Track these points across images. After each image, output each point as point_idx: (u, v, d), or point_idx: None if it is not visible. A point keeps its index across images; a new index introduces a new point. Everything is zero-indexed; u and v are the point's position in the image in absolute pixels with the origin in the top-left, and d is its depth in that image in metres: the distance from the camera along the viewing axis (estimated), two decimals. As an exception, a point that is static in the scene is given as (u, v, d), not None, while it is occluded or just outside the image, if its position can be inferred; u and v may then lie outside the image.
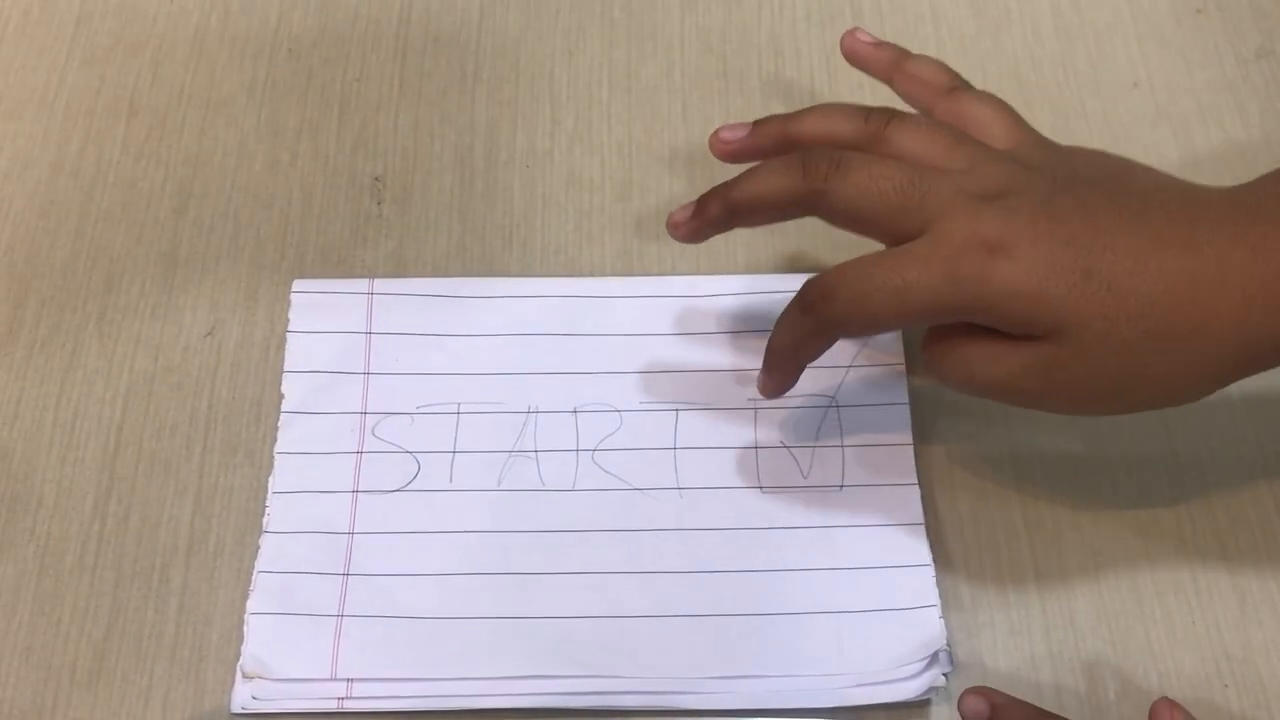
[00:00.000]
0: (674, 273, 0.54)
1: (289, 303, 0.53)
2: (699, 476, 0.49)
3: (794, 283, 0.52)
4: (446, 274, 0.54)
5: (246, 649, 0.46)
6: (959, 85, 0.49)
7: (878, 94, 0.58)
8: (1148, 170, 0.45)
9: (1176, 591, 0.47)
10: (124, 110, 0.58)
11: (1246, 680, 0.46)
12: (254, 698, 0.45)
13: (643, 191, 0.56)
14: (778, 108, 0.58)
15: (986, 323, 0.42)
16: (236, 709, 0.45)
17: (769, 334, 0.51)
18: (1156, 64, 0.59)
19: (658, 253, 0.54)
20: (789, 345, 0.46)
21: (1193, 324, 0.40)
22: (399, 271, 0.54)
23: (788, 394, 0.48)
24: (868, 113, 0.46)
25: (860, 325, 0.44)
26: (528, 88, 0.59)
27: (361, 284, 0.53)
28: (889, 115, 0.46)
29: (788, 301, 0.49)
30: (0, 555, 0.48)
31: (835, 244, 0.54)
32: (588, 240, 0.55)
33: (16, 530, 0.49)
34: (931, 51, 0.59)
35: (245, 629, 0.46)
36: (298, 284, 0.53)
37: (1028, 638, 0.46)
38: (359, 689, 0.45)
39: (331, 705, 0.45)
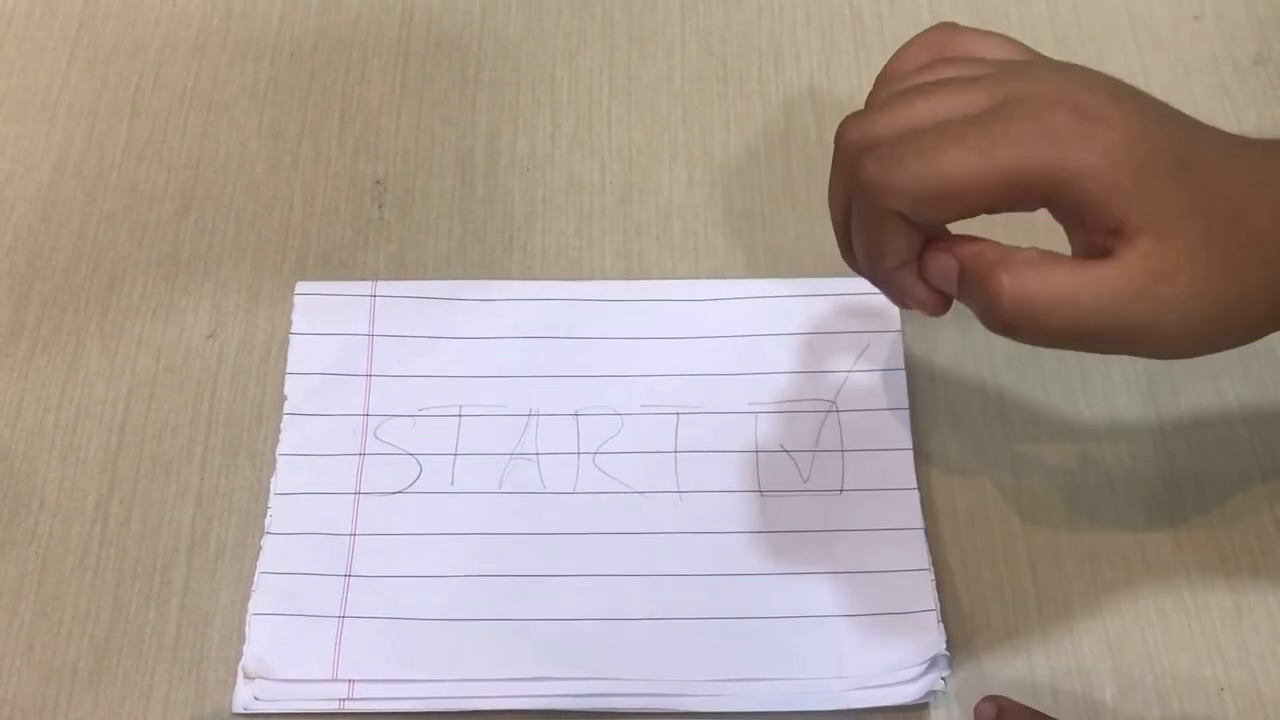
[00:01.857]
0: (675, 276, 0.54)
1: (291, 305, 0.53)
2: (699, 480, 0.49)
3: (795, 287, 0.53)
4: (447, 277, 0.54)
5: (248, 649, 0.46)
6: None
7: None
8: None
9: (1173, 596, 0.47)
10: (126, 112, 0.58)
11: (1242, 684, 0.46)
12: (255, 698, 0.45)
13: (643, 194, 0.56)
14: (777, 110, 0.58)
15: (1071, 207, 0.35)
16: (238, 709, 0.45)
17: (770, 336, 0.51)
18: (1154, 70, 0.59)
19: (658, 255, 0.55)
20: (867, 251, 0.38)
21: None
22: (400, 274, 0.54)
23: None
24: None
25: (932, 188, 0.35)
26: (528, 91, 0.59)
27: (364, 286, 0.53)
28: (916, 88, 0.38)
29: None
30: (2, 555, 0.48)
31: (834, 242, 0.54)
32: (588, 243, 0.55)
33: (18, 530, 0.49)
34: (931, 56, 0.59)
35: (247, 630, 0.46)
36: (301, 286, 0.53)
37: (1025, 642, 0.47)
38: (360, 690, 0.45)
39: (333, 706, 0.45)
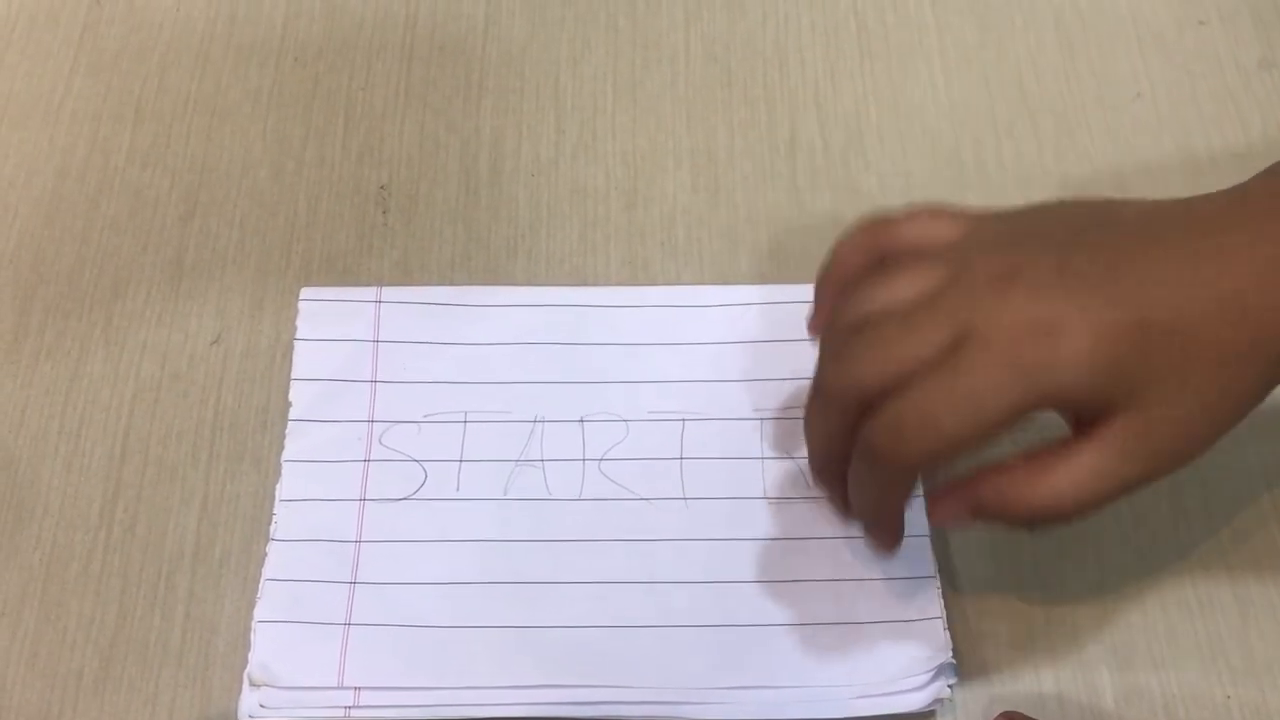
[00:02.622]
0: (679, 282, 0.54)
1: (296, 311, 0.53)
2: (705, 487, 0.49)
3: (802, 292, 0.52)
4: (451, 283, 0.54)
5: (253, 657, 0.46)
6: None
7: (881, 103, 0.58)
8: (1121, 200, 0.42)
9: (1178, 601, 0.47)
10: (130, 118, 0.58)
11: (1248, 690, 0.46)
12: (261, 705, 0.45)
13: (647, 201, 0.56)
14: (782, 117, 0.58)
15: (1061, 408, 0.39)
16: (243, 717, 0.45)
17: (775, 343, 0.51)
18: (1159, 75, 0.59)
19: (662, 261, 0.55)
20: (873, 505, 0.42)
21: (1250, 335, 0.38)
22: (404, 280, 0.54)
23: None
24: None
25: (941, 452, 0.39)
26: (533, 97, 0.59)
27: (369, 292, 0.53)
28: (854, 293, 0.42)
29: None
30: (7, 563, 0.48)
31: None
32: (592, 250, 0.55)
33: (23, 538, 0.49)
34: (934, 61, 0.59)
35: (252, 637, 0.46)
36: (305, 292, 0.53)
37: (1030, 648, 0.46)
38: (366, 698, 0.45)
39: (339, 714, 0.45)
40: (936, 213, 0.44)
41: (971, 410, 0.38)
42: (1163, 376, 0.38)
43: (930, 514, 0.43)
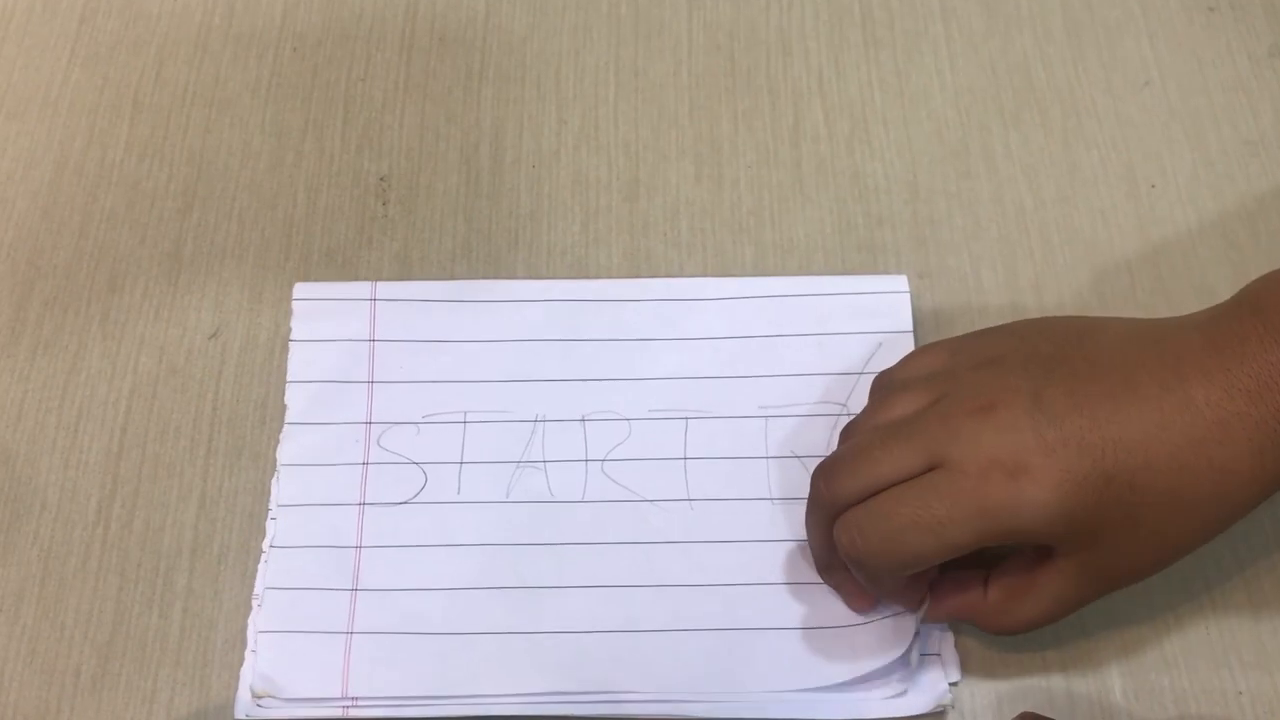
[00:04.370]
0: (682, 274, 0.53)
1: (291, 308, 0.52)
2: (709, 487, 0.48)
3: (804, 285, 0.52)
4: (452, 275, 0.53)
5: (255, 668, 0.45)
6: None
7: (887, 91, 0.58)
8: (1102, 323, 0.44)
9: (1189, 597, 0.47)
10: (127, 109, 0.58)
11: (1260, 687, 0.45)
12: (259, 705, 0.44)
13: (650, 191, 0.56)
14: (786, 106, 0.57)
15: (1017, 543, 0.42)
16: (240, 716, 0.44)
17: (779, 337, 0.51)
18: (1168, 63, 0.58)
19: (665, 252, 0.54)
20: (851, 595, 0.46)
21: (1212, 486, 0.40)
22: (404, 272, 0.53)
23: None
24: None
25: (898, 563, 0.41)
26: (534, 87, 0.58)
27: (364, 288, 0.52)
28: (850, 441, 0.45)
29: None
30: (4, 559, 0.48)
31: (844, 239, 0.54)
32: (594, 241, 0.54)
33: (20, 533, 0.48)
34: (940, 49, 0.59)
35: (253, 647, 0.46)
36: (299, 288, 0.52)
37: (1039, 644, 0.46)
38: (368, 705, 0.44)
39: (337, 712, 0.44)
40: (927, 347, 0.47)
41: (934, 535, 0.40)
42: (1118, 522, 0.40)
43: (929, 616, 0.45)
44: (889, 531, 0.41)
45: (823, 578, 0.46)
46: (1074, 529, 0.40)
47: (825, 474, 0.44)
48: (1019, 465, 0.40)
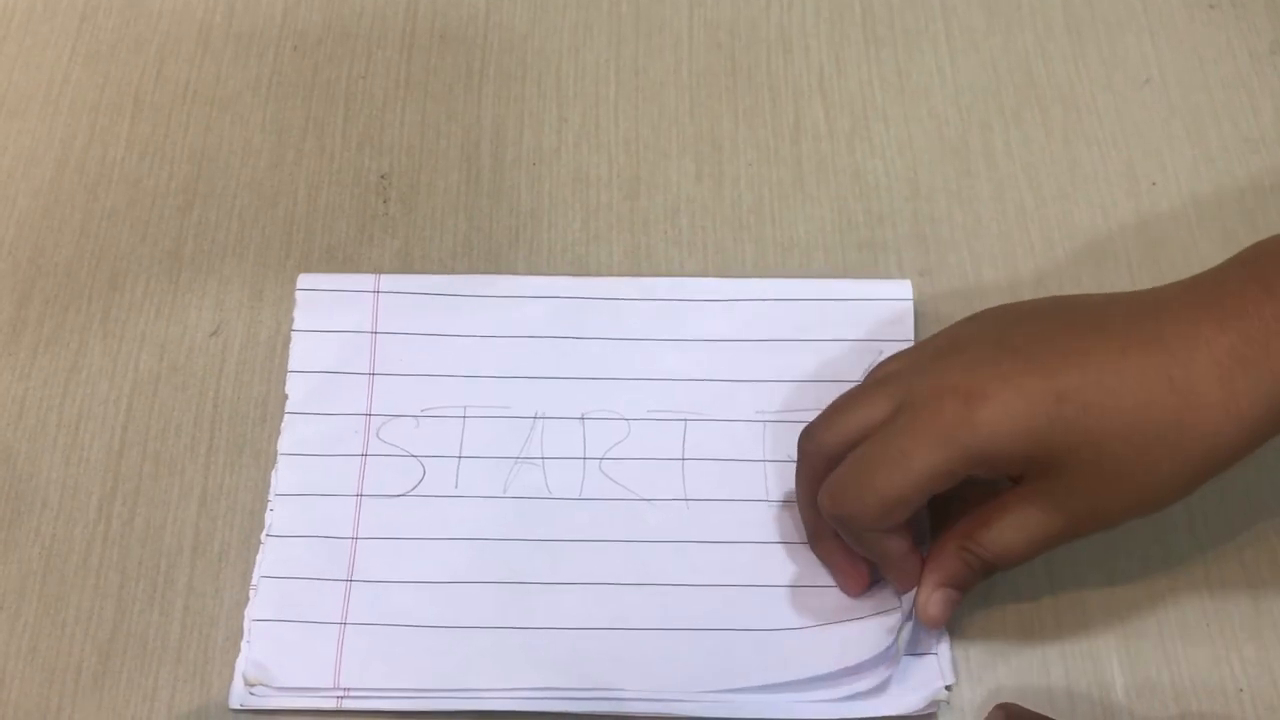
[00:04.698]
0: (682, 272, 0.53)
1: (294, 300, 0.52)
2: (706, 488, 0.48)
3: (806, 289, 0.52)
4: (453, 272, 0.53)
5: (249, 655, 0.45)
6: None
7: (887, 89, 0.58)
8: (1106, 294, 0.44)
9: (1190, 593, 0.47)
10: (128, 107, 0.58)
11: (1260, 685, 0.45)
12: (251, 694, 0.45)
13: (650, 189, 0.56)
14: (786, 103, 0.57)
15: (985, 473, 0.42)
16: (235, 705, 0.45)
17: (777, 343, 0.51)
18: (1169, 60, 0.58)
19: (665, 250, 0.54)
20: (841, 569, 0.46)
21: (1174, 412, 0.39)
22: (405, 269, 0.53)
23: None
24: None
25: (875, 507, 0.42)
26: (535, 84, 0.58)
27: (367, 280, 0.52)
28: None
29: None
30: (5, 556, 0.48)
31: (844, 237, 0.54)
32: (595, 238, 0.54)
33: (22, 531, 0.48)
34: (941, 46, 0.59)
35: (246, 635, 0.46)
36: (303, 279, 0.53)
37: (1040, 640, 0.46)
38: (360, 696, 0.45)
39: (330, 704, 0.45)
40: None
41: (900, 468, 0.41)
42: (1078, 449, 0.40)
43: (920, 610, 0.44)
44: (861, 476, 0.42)
45: (813, 549, 0.47)
46: (1032, 451, 0.40)
47: (806, 433, 0.45)
48: (975, 390, 0.40)
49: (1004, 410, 0.40)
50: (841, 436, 0.43)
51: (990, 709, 0.43)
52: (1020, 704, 0.43)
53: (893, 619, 0.45)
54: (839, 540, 0.45)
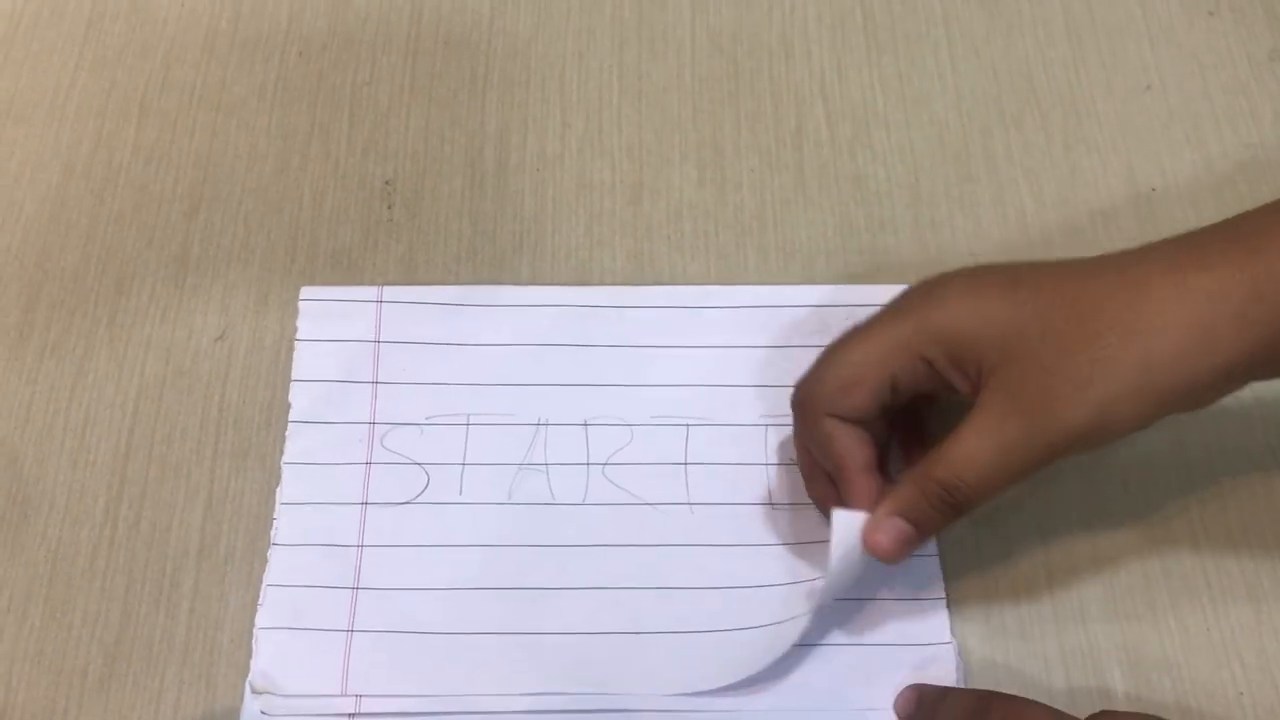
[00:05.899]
0: (685, 277, 0.54)
1: (297, 310, 0.52)
2: (710, 492, 0.49)
3: (809, 294, 0.52)
4: (457, 278, 0.54)
5: (256, 664, 0.45)
6: None
7: (889, 95, 0.58)
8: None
9: (1190, 596, 0.47)
10: (134, 113, 0.58)
11: (1261, 688, 0.45)
12: (263, 712, 0.45)
13: (653, 195, 0.56)
14: (788, 109, 0.58)
15: (946, 369, 0.43)
16: None
17: (779, 350, 0.51)
18: (1169, 66, 0.58)
19: (668, 256, 0.54)
20: (830, 505, 0.45)
21: (1125, 307, 0.40)
22: (409, 275, 0.54)
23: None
24: None
25: (835, 382, 0.44)
26: (538, 90, 0.59)
27: (370, 292, 0.53)
28: None
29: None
30: (12, 560, 0.48)
31: (846, 242, 0.54)
32: (598, 244, 0.55)
33: (28, 535, 0.49)
34: (942, 52, 0.59)
35: (254, 644, 0.46)
36: (305, 291, 0.53)
37: (1040, 641, 0.46)
38: (369, 705, 0.45)
39: (343, 713, 0.45)
40: None
41: (860, 340, 0.44)
42: (1026, 322, 0.41)
43: (873, 543, 0.43)
44: (825, 354, 0.45)
45: (807, 492, 0.48)
46: (984, 330, 0.42)
47: (796, 386, 0.46)
48: (937, 284, 0.44)
49: (963, 290, 0.43)
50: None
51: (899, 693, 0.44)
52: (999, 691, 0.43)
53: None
54: (834, 486, 0.45)
